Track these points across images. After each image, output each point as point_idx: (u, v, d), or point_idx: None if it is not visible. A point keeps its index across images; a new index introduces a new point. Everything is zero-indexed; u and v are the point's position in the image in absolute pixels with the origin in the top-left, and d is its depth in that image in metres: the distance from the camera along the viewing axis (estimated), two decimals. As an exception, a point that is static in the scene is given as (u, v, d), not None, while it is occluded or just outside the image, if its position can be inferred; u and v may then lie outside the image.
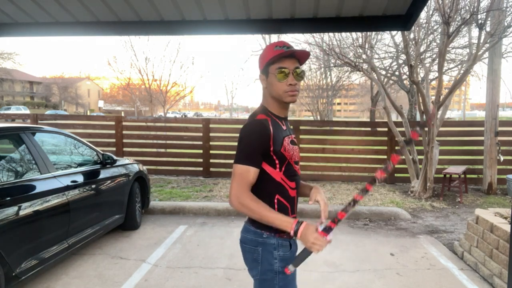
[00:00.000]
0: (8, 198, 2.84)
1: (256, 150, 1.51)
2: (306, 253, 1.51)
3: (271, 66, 1.58)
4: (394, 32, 12.64)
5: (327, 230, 1.48)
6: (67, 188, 3.49)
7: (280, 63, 1.56)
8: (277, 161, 1.56)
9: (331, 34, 9.07)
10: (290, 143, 1.61)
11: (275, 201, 1.59)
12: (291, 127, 1.74)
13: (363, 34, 7.98)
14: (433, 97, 6.82)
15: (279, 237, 1.58)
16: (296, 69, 1.57)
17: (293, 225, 1.46)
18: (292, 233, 1.46)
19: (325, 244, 1.46)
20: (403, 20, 2.56)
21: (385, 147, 8.04)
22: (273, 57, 1.56)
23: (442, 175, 6.95)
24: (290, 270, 1.55)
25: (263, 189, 1.57)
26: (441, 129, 7.30)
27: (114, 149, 8.38)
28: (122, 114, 35.28)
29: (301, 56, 1.61)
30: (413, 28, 6.76)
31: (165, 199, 6.28)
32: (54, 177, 3.43)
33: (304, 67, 21.12)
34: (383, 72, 14.50)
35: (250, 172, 1.50)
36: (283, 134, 1.59)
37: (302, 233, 1.46)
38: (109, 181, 4.32)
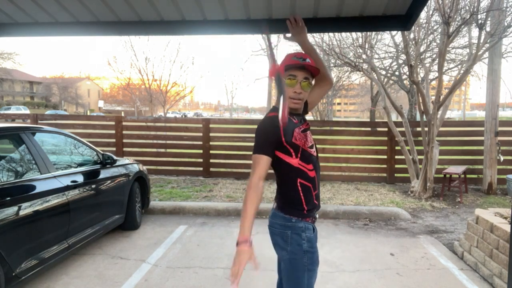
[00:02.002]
0: (8, 198, 2.84)
1: (266, 141, 1.76)
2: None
3: (285, 72, 1.82)
4: (394, 32, 12.64)
5: None
6: (67, 188, 3.49)
7: (292, 71, 1.82)
8: (291, 150, 1.81)
9: (331, 34, 9.07)
10: (302, 131, 1.85)
11: (298, 184, 1.83)
12: (304, 117, 1.98)
13: (363, 34, 7.98)
14: (433, 97, 6.82)
15: (306, 221, 1.85)
16: (304, 79, 1.82)
17: (244, 238, 1.66)
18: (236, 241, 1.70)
19: (240, 272, 1.73)
20: (403, 20, 2.56)
21: (385, 147, 8.04)
22: (286, 65, 1.82)
23: (442, 175, 6.96)
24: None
25: (286, 176, 1.85)
26: (441, 129, 7.30)
27: (114, 149, 8.39)
28: (122, 114, 35.29)
29: (313, 70, 1.85)
30: (413, 28, 6.75)
31: (165, 199, 6.28)
32: (54, 177, 3.43)
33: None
34: (383, 72, 14.52)
35: (261, 159, 1.74)
36: (294, 126, 1.82)
37: (241, 251, 1.68)
38: (109, 181, 4.32)
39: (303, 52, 1.98)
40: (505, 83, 18.26)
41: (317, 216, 1.94)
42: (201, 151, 8.35)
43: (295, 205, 1.84)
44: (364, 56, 8.02)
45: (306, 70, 1.83)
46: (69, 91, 52.21)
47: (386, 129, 7.94)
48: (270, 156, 1.77)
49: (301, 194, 1.84)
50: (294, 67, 1.82)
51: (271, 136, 1.76)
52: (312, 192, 1.87)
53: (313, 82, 1.89)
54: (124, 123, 8.61)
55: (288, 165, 1.82)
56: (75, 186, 3.62)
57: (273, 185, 7.27)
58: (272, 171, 1.87)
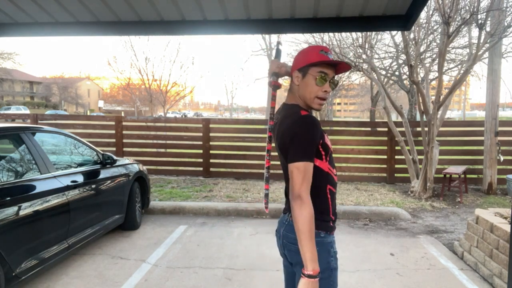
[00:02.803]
0: (8, 198, 2.84)
1: (313, 145, 1.51)
2: None
3: (312, 67, 1.58)
4: (394, 32, 12.64)
5: None
6: (67, 188, 3.49)
7: (323, 68, 1.58)
8: (323, 152, 1.59)
9: (331, 34, 9.07)
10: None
11: (327, 191, 1.62)
12: None
13: (363, 34, 7.98)
14: (433, 97, 6.82)
15: (331, 234, 1.63)
16: (333, 79, 1.62)
17: (316, 271, 1.43)
18: (308, 272, 1.42)
19: None
20: (403, 20, 2.56)
21: (385, 147, 8.04)
22: (318, 61, 1.57)
23: (442, 175, 6.96)
24: None
25: (316, 183, 1.55)
26: (441, 129, 7.30)
27: (114, 149, 8.38)
28: (122, 114, 35.29)
29: (342, 68, 1.66)
30: (413, 28, 6.76)
31: (165, 199, 6.28)
32: (54, 177, 3.43)
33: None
34: (383, 72, 14.52)
35: (310, 167, 1.49)
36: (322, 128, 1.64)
37: (311, 284, 1.43)
38: (109, 181, 4.32)
39: (326, 46, 1.74)
40: (505, 83, 18.27)
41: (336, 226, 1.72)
42: (201, 151, 8.35)
43: (323, 216, 1.60)
44: (364, 56, 8.02)
45: (334, 67, 1.61)
46: (69, 91, 52.20)
47: (386, 129, 7.95)
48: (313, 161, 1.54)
49: (330, 202, 1.63)
50: (325, 63, 1.57)
51: (318, 138, 1.53)
52: (335, 201, 1.68)
53: None
54: (124, 123, 8.61)
55: (319, 170, 1.57)
56: (75, 186, 3.62)
57: (273, 185, 7.26)
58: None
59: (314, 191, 1.52)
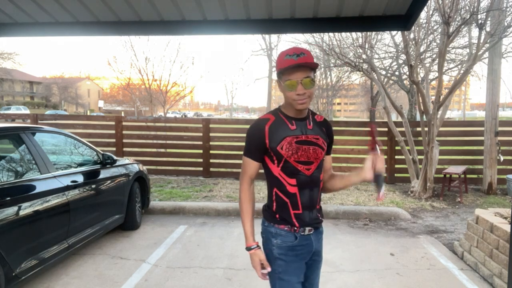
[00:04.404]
0: (8, 198, 2.84)
1: (252, 145, 1.72)
2: (378, 176, 1.69)
3: (281, 75, 1.67)
4: (394, 32, 12.63)
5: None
6: (67, 188, 3.49)
7: (288, 75, 1.63)
8: (274, 157, 1.71)
9: (331, 34, 9.06)
10: (297, 142, 1.69)
11: (273, 193, 1.75)
12: (312, 127, 1.76)
13: (363, 34, 7.98)
14: (433, 97, 6.82)
15: (278, 227, 1.75)
16: (304, 78, 1.62)
17: (248, 245, 1.75)
18: (247, 242, 1.76)
19: (260, 274, 1.75)
20: (403, 20, 2.56)
21: (385, 147, 8.03)
22: (280, 69, 1.65)
23: (442, 175, 6.95)
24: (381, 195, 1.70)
25: (267, 181, 1.78)
26: (441, 129, 7.30)
27: (114, 149, 8.38)
28: (122, 114, 35.28)
29: (308, 63, 1.63)
30: (413, 28, 6.76)
31: (165, 199, 6.28)
32: (54, 177, 3.43)
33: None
34: (383, 72, 14.51)
35: (248, 163, 1.75)
36: (287, 134, 1.69)
37: (250, 256, 1.76)
38: (109, 181, 4.32)
39: (297, 47, 1.73)
40: (505, 83, 18.27)
41: (306, 228, 1.75)
42: (201, 151, 8.35)
43: (269, 209, 1.79)
44: (364, 56, 8.02)
45: (305, 67, 1.62)
46: (69, 91, 52.20)
47: (386, 129, 7.94)
48: (256, 160, 1.74)
49: (274, 204, 1.76)
50: (290, 68, 1.62)
51: (255, 140, 1.70)
52: (290, 210, 1.72)
53: (313, 78, 1.66)
54: (124, 123, 8.61)
55: (269, 171, 1.75)
56: (75, 186, 3.62)
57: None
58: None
59: (267, 186, 1.80)
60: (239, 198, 1.80)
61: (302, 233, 1.74)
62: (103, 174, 4.28)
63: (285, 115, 1.73)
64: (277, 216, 1.75)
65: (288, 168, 1.70)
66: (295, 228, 1.73)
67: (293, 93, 1.63)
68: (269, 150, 1.70)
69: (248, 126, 1.78)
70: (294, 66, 1.60)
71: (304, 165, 1.71)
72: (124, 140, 8.62)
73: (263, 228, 1.80)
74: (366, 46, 7.90)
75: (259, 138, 1.69)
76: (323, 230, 1.89)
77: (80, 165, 4.14)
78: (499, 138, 7.22)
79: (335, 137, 8.22)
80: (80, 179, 3.78)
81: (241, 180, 1.79)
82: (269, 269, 1.73)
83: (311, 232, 1.77)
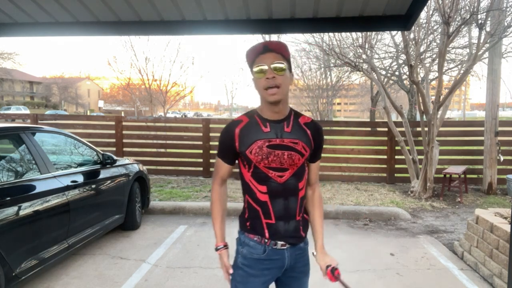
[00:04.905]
0: (8, 198, 2.84)
1: (224, 148, 1.64)
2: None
3: (252, 68, 1.54)
4: (394, 32, 12.63)
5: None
6: (67, 188, 3.49)
7: (258, 62, 1.51)
8: (245, 162, 1.60)
9: (331, 34, 9.06)
10: (269, 146, 1.53)
11: (246, 200, 1.65)
12: (290, 129, 1.59)
13: (363, 34, 7.97)
14: (433, 97, 6.82)
15: (247, 236, 1.64)
16: (275, 63, 1.48)
17: (216, 245, 1.70)
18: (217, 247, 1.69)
19: (225, 276, 1.70)
20: (403, 20, 2.55)
21: (385, 147, 8.04)
22: (250, 57, 1.54)
23: (442, 175, 6.95)
24: None
25: (241, 185, 1.66)
26: (441, 129, 7.30)
27: (114, 149, 8.38)
28: (122, 114, 35.28)
29: (278, 48, 1.52)
30: (413, 28, 6.75)
31: (165, 199, 6.28)
32: (54, 177, 3.43)
33: (304, 67, 21.23)
34: (383, 72, 14.52)
35: (219, 165, 1.68)
36: (258, 137, 1.54)
37: (219, 257, 1.70)
38: (109, 181, 4.32)
39: (265, 41, 1.60)
40: (505, 83, 18.27)
41: (278, 242, 1.60)
42: (201, 151, 8.35)
43: (242, 215, 1.68)
44: (364, 56, 8.02)
45: (274, 52, 1.50)
46: (69, 91, 52.20)
47: (386, 129, 7.94)
48: (228, 163, 1.65)
49: (247, 211, 1.65)
50: (256, 56, 1.51)
51: (226, 143, 1.60)
52: (262, 219, 1.59)
53: (285, 65, 1.51)
54: (124, 123, 8.62)
55: (242, 176, 1.63)
56: (75, 186, 3.62)
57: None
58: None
59: (242, 191, 1.68)
60: (211, 196, 1.73)
61: (274, 247, 1.59)
62: (103, 174, 4.28)
63: (260, 117, 1.58)
64: (248, 224, 1.63)
65: (257, 174, 1.56)
66: (266, 240, 1.59)
67: (263, 80, 1.49)
68: (240, 154, 1.59)
69: None
70: (263, 49, 1.51)
71: (276, 171, 1.55)
72: (124, 140, 8.62)
73: (238, 233, 1.71)
74: (366, 46, 7.90)
75: (229, 141, 1.58)
76: (306, 248, 1.72)
77: (80, 165, 4.14)
78: (499, 138, 7.22)
79: (335, 137, 8.39)
80: (80, 179, 3.78)
81: (213, 180, 1.72)
82: (231, 271, 1.66)
83: (285, 248, 1.61)
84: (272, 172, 1.55)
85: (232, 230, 1.88)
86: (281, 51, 1.52)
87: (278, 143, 1.54)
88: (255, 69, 1.51)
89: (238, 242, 1.69)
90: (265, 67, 1.49)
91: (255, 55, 1.52)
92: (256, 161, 1.54)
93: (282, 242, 1.60)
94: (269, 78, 1.48)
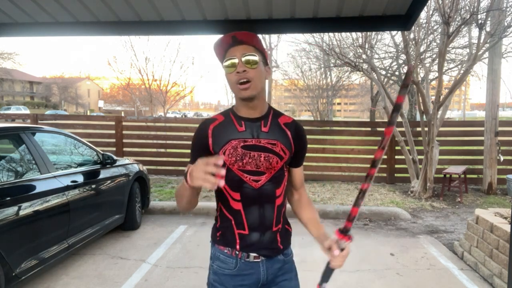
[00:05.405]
0: (8, 198, 2.84)
1: (194, 149, 1.43)
2: (329, 269, 1.44)
3: (223, 62, 1.41)
4: (394, 32, 12.63)
5: (345, 231, 1.36)
6: (67, 188, 3.49)
7: (228, 55, 1.38)
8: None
9: (331, 34, 9.07)
10: (244, 147, 1.37)
11: (218, 208, 1.48)
12: (268, 129, 1.43)
13: (363, 34, 7.98)
14: (433, 97, 6.82)
15: (218, 248, 1.47)
16: (246, 56, 1.35)
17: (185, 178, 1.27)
18: (185, 183, 1.21)
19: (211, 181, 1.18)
20: (403, 20, 2.55)
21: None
22: (219, 51, 1.42)
23: (442, 175, 6.96)
24: None
25: (214, 192, 1.45)
26: (441, 129, 7.30)
27: (114, 149, 8.39)
28: (122, 114, 35.28)
29: (249, 39, 1.39)
30: (413, 28, 6.76)
31: (165, 199, 6.28)
32: (54, 177, 3.43)
33: (304, 67, 21.24)
34: (383, 72, 14.51)
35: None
36: (233, 136, 1.38)
37: (190, 176, 1.17)
38: (109, 181, 4.32)
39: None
40: (505, 83, 18.28)
41: (251, 254, 1.43)
42: (201, 151, 8.34)
43: (214, 225, 1.52)
44: (364, 56, 8.02)
45: (245, 44, 1.37)
46: (69, 91, 52.19)
47: (386, 129, 7.94)
48: None
49: (219, 220, 1.48)
50: (226, 50, 1.38)
51: (198, 142, 1.42)
52: (234, 229, 1.41)
53: (257, 57, 1.37)
54: (124, 123, 8.62)
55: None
56: (75, 186, 3.62)
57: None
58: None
59: (215, 199, 1.50)
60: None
61: (246, 259, 1.42)
62: (103, 174, 4.28)
63: (235, 115, 1.43)
64: (218, 234, 1.46)
65: (231, 180, 1.37)
66: (236, 252, 1.42)
67: (233, 74, 1.35)
68: (213, 154, 1.40)
69: None
70: (233, 41, 1.38)
71: (252, 175, 1.38)
72: (124, 140, 8.63)
73: (210, 246, 1.54)
74: (366, 46, 7.91)
75: (201, 140, 1.41)
76: (289, 259, 1.53)
77: (80, 165, 4.15)
78: (499, 138, 7.22)
79: (335, 137, 8.39)
80: (80, 179, 3.78)
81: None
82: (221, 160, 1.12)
83: (259, 260, 1.43)
84: (246, 175, 1.38)
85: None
86: (253, 43, 1.39)
87: (254, 143, 1.38)
88: (225, 63, 1.38)
89: (210, 256, 1.52)
90: (236, 60, 1.35)
91: (224, 49, 1.40)
92: (229, 163, 1.37)
93: (254, 254, 1.42)
94: (240, 72, 1.33)
